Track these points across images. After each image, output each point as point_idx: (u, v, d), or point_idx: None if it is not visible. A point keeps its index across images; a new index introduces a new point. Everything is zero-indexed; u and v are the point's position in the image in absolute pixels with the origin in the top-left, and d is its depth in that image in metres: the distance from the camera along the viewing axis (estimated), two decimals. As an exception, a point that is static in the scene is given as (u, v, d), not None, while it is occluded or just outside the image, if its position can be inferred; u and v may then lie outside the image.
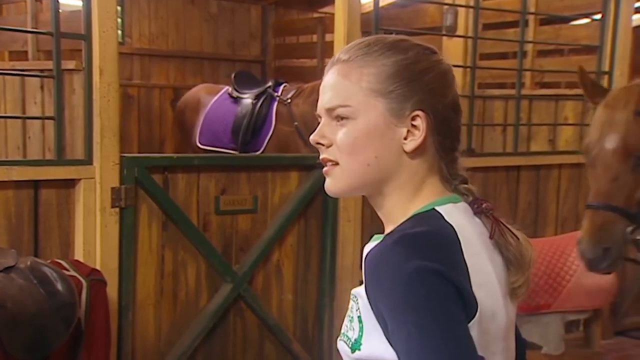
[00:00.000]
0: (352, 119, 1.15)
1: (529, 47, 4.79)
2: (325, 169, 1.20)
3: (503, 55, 5.22)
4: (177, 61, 6.59)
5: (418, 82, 1.15)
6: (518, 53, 4.23)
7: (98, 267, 2.99)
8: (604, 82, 4.43)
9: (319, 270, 3.70)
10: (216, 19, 6.74)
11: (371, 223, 3.55)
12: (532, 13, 4.08)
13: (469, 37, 4.27)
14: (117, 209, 3.07)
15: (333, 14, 6.94)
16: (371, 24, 3.68)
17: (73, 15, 3.60)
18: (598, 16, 4.51)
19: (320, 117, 1.22)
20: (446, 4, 4.87)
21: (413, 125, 1.14)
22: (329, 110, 1.18)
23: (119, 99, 3.11)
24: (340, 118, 1.17)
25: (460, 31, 5.12)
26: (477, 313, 1.04)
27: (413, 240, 1.05)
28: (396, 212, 1.17)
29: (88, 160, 3.04)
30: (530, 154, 4.46)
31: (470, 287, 1.04)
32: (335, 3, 3.63)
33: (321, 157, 1.20)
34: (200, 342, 3.36)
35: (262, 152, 4.28)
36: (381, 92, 1.14)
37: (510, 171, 4.23)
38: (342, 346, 1.14)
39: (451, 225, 1.10)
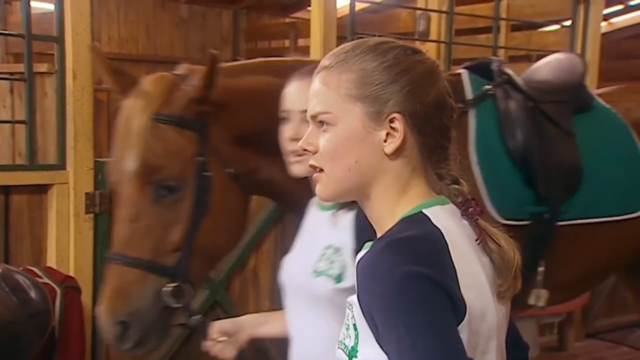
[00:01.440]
0: (332, 125, 1.17)
1: (500, 53, 4.84)
2: (314, 175, 1.21)
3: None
4: (148, 66, 6.50)
5: (395, 84, 1.15)
6: (491, 58, 4.25)
7: (72, 274, 2.94)
8: (575, 88, 4.49)
9: (295, 276, 3.67)
10: (187, 23, 6.70)
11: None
12: (505, 19, 4.12)
13: (443, 42, 4.29)
14: (92, 215, 3.01)
15: (305, 19, 6.98)
16: (346, 29, 3.68)
17: (44, 17, 3.55)
18: (568, 22, 4.58)
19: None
20: (419, 9, 4.89)
21: (392, 128, 1.15)
22: (313, 117, 1.20)
23: (93, 102, 3.06)
24: (322, 124, 1.18)
25: (432, 37, 5.15)
26: (466, 315, 1.06)
27: (401, 245, 1.07)
28: (384, 215, 1.18)
29: (61, 165, 2.98)
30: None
31: (459, 289, 1.06)
32: (312, 8, 3.63)
33: (309, 163, 1.22)
34: (177, 347, 3.32)
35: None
36: (358, 97, 1.15)
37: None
38: (339, 354, 1.14)
39: (438, 229, 1.11)
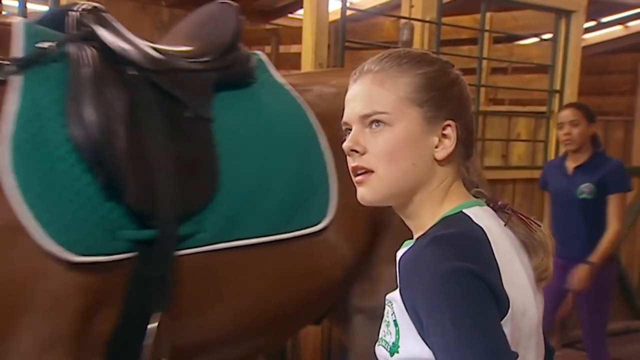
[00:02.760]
0: (389, 125, 1.18)
1: (483, 64, 4.92)
2: (357, 177, 1.20)
3: (456, 72, 5.32)
4: (127, 68, 6.46)
5: (449, 92, 1.20)
6: (477, 69, 4.33)
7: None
8: (556, 101, 4.58)
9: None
10: (168, 27, 6.60)
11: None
12: (489, 31, 4.19)
13: (432, 52, 4.34)
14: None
15: (287, 26, 7.00)
16: (331, 35, 3.71)
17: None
18: (549, 35, 4.67)
19: (348, 126, 1.23)
20: (405, 18, 4.94)
21: (444, 135, 1.19)
22: (364, 117, 1.20)
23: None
24: (377, 124, 1.18)
25: (416, 46, 5.20)
26: (510, 310, 1.08)
27: (446, 241, 1.09)
28: (424, 219, 1.21)
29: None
30: (484, 169, 4.55)
31: (502, 285, 1.08)
32: (304, 14, 3.65)
33: (352, 165, 1.21)
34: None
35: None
36: (417, 101, 1.18)
37: (466, 185, 4.31)
38: (380, 351, 1.16)
39: (481, 227, 1.14)
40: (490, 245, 1.11)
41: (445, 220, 1.17)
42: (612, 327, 4.49)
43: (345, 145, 1.21)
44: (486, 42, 4.92)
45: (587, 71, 7.30)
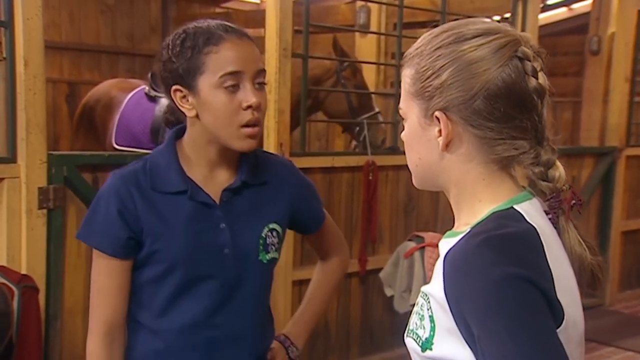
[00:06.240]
0: (404, 120, 1.17)
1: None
2: None
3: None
4: (72, 54, 6.24)
5: (438, 79, 1.10)
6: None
7: (23, 273, 2.77)
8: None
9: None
10: (113, 10, 6.45)
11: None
12: (450, 13, 4.18)
13: (394, 36, 4.31)
14: (45, 211, 2.85)
15: (239, 10, 6.87)
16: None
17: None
18: (507, 15, 4.70)
19: None
20: (362, 0, 4.90)
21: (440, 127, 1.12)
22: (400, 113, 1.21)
23: (46, 92, 2.89)
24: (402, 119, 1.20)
25: (373, 29, 5.17)
26: (564, 321, 1.01)
27: (500, 243, 1.01)
28: (464, 211, 1.14)
29: (11, 158, 2.80)
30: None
31: (555, 294, 1.01)
32: (267, -3, 3.56)
33: None
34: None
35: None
36: (414, 94, 1.13)
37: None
38: (411, 343, 1.10)
39: (534, 227, 1.06)
40: (544, 248, 1.04)
41: (495, 217, 1.07)
42: None
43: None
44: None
45: (534, 53, 7.42)
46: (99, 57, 6.35)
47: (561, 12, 8.82)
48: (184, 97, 1.53)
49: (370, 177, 3.90)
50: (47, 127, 2.88)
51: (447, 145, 1.11)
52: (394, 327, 4.21)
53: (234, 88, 1.50)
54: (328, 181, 3.88)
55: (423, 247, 3.66)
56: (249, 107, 1.50)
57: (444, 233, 1.18)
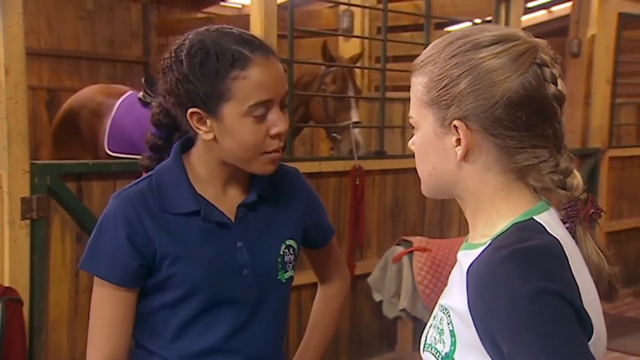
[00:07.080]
0: (416, 129, 1.14)
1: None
2: None
3: (397, 59, 5.30)
4: (51, 60, 6.15)
5: (456, 87, 1.07)
6: (422, 56, 4.30)
7: (7, 285, 2.71)
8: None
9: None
10: (93, 16, 6.38)
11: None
12: (434, 17, 4.18)
13: (379, 40, 4.30)
14: (28, 221, 2.79)
15: (220, 15, 6.83)
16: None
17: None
18: (489, 18, 4.70)
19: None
20: (345, 4, 4.88)
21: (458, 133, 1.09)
22: (411, 123, 1.18)
23: (27, 100, 2.83)
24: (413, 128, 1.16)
25: (356, 33, 5.16)
26: (593, 336, 0.99)
27: (526, 256, 0.98)
28: (481, 221, 1.11)
29: (-7, 168, 2.75)
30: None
31: (584, 307, 0.98)
32: (251, 2, 3.52)
33: None
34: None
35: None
36: (428, 103, 1.10)
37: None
38: (429, 358, 1.07)
39: (557, 240, 1.03)
40: (568, 260, 1.01)
41: (517, 229, 1.04)
42: None
43: (409, 143, 1.19)
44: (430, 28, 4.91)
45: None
46: (79, 64, 6.27)
47: (541, 15, 8.90)
48: (202, 119, 1.39)
49: (357, 182, 3.88)
50: (29, 135, 2.82)
51: (465, 155, 1.08)
52: (382, 332, 4.18)
53: (262, 116, 1.38)
54: (315, 186, 3.77)
55: (411, 252, 3.64)
56: (277, 135, 1.40)
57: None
